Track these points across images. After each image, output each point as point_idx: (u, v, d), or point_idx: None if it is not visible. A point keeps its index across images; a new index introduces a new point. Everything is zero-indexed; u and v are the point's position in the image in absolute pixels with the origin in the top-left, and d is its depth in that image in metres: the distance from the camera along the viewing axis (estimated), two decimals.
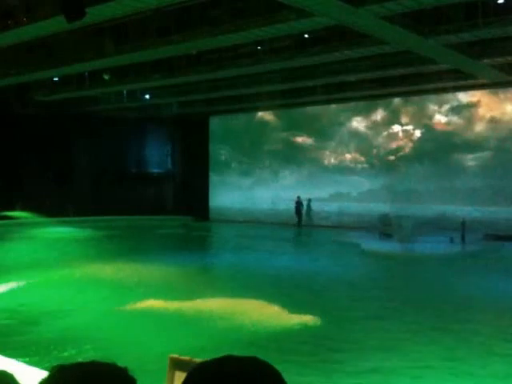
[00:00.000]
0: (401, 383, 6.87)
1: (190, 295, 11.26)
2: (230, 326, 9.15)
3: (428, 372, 7.13)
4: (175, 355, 3.86)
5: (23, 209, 27.76)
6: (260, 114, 32.88)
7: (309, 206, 29.87)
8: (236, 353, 1.13)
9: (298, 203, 29.53)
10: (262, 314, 9.91)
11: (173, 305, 10.54)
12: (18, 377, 1.67)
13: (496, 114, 25.15)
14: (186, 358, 3.52)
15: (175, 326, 9.14)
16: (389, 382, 6.91)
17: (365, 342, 8.38)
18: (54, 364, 1.24)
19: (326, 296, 12.10)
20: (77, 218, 28.64)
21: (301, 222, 29.28)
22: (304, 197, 29.65)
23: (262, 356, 1.14)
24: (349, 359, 7.59)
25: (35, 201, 27.13)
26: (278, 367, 1.14)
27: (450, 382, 6.92)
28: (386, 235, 24.11)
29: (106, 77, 23.60)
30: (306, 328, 9.15)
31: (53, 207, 27.08)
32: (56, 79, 25.64)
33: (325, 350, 8.09)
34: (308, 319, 9.55)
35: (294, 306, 10.31)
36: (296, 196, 29.56)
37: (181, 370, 3.43)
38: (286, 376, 1.13)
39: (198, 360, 3.81)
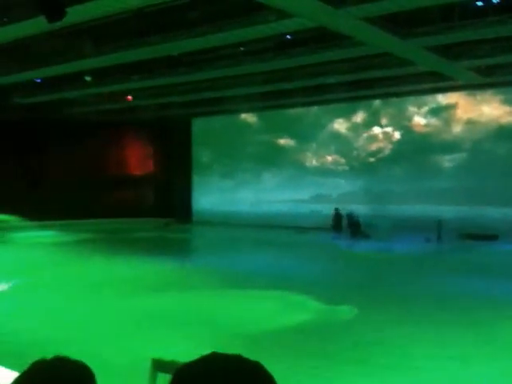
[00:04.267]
0: None
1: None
2: None
3: None
4: (157, 357, 3.86)
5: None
6: (242, 116, 32.90)
7: (352, 217, 26.42)
8: None
9: (338, 215, 27.12)
10: None
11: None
12: None
13: (473, 115, 25.51)
14: (168, 359, 3.53)
15: None
16: None
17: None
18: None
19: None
20: (56, 222, 28.36)
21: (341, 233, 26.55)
22: (294, 198, 29.59)
23: None
24: None
25: (12, 204, 26.81)
26: None
27: None
28: (364, 235, 24.42)
29: (88, 78, 23.43)
30: None
31: (31, 211, 26.80)
32: (35, 81, 25.36)
33: None
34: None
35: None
36: (334, 208, 27.31)
37: (163, 372, 3.44)
38: None
39: (180, 361, 3.80)
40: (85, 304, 11.16)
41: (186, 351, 6.60)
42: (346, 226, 26.37)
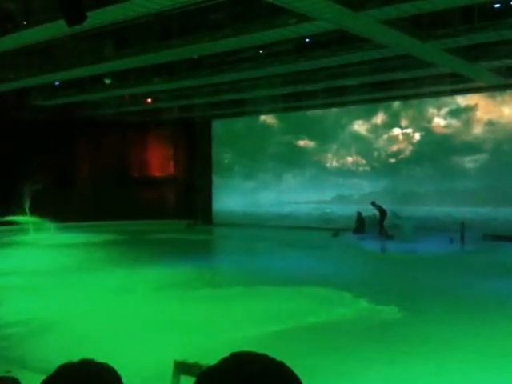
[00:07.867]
0: None
1: None
2: None
3: None
4: (180, 359, 3.96)
5: (23, 213, 27.64)
6: (262, 117, 32.94)
7: (375, 219, 26.00)
8: None
9: (361, 218, 26.78)
10: None
11: None
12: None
13: (493, 116, 25.36)
14: (191, 361, 3.63)
15: None
16: None
17: None
18: None
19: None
20: (79, 223, 28.56)
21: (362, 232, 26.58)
22: (316, 199, 29.65)
23: None
24: None
25: (35, 205, 27.06)
26: None
27: None
28: (387, 236, 24.44)
29: (107, 81, 23.65)
30: None
31: (54, 212, 27.04)
32: (56, 84, 25.64)
33: None
34: None
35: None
36: (356, 211, 27.05)
37: (186, 374, 3.53)
38: None
39: (203, 363, 3.91)
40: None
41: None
42: (370, 227, 26.34)
